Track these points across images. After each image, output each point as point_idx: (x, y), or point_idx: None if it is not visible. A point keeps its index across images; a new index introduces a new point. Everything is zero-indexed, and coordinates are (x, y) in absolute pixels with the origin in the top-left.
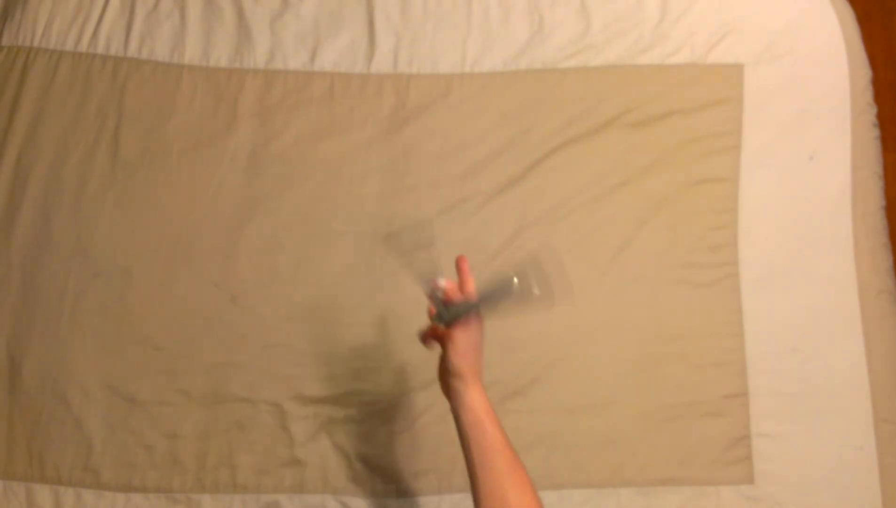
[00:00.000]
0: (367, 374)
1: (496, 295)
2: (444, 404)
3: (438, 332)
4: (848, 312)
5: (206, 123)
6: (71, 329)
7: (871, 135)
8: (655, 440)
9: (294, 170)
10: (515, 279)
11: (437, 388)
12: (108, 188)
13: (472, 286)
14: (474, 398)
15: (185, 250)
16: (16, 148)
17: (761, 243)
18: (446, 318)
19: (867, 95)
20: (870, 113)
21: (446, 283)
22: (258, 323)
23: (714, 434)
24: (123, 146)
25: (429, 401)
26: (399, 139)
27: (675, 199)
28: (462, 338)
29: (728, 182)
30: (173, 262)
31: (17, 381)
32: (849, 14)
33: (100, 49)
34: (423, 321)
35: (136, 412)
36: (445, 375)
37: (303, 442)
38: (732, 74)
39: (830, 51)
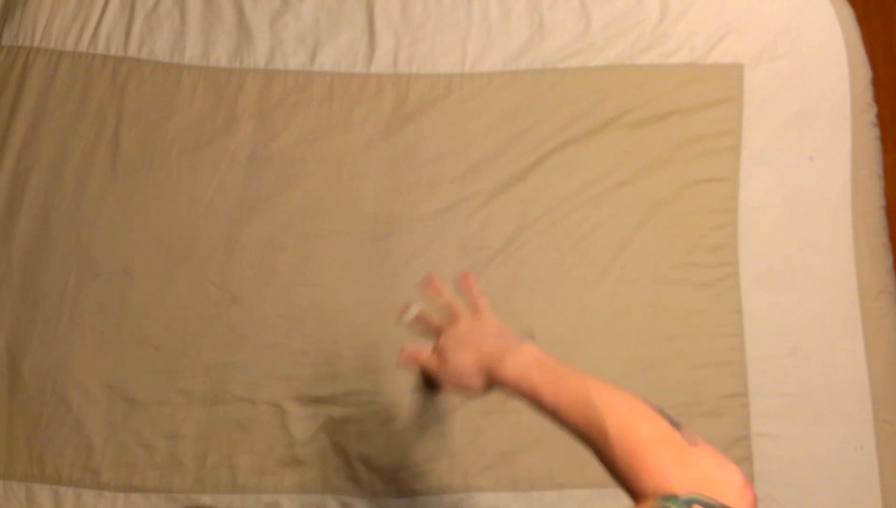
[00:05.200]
0: (367, 374)
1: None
2: (443, 404)
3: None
4: (848, 312)
5: (206, 123)
6: (71, 329)
7: (871, 135)
8: None
9: (294, 170)
10: None
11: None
12: (108, 188)
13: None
14: (510, 372)
15: (185, 250)
16: (16, 148)
17: (761, 242)
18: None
19: (867, 95)
20: (870, 113)
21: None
22: (258, 323)
23: (714, 434)
24: (123, 146)
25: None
26: (399, 139)
27: (675, 199)
28: (448, 345)
29: (728, 182)
30: (173, 262)
31: (17, 381)
32: (849, 14)
33: (100, 49)
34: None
35: (136, 412)
36: (478, 383)
37: (303, 442)
38: (732, 74)
39: (830, 51)
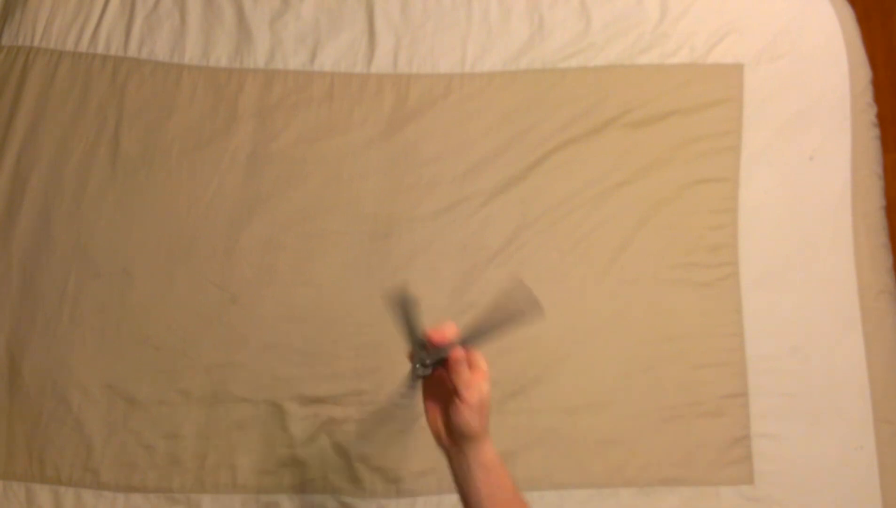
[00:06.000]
0: (367, 374)
1: (484, 327)
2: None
3: (445, 389)
4: (848, 312)
5: (206, 123)
6: (71, 329)
7: (871, 135)
8: (655, 440)
9: (294, 170)
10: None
11: None
12: (108, 188)
13: (454, 330)
14: (490, 455)
15: (185, 250)
16: (16, 148)
17: (761, 242)
18: (429, 361)
19: (867, 95)
20: (870, 113)
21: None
22: (258, 323)
23: (714, 434)
24: (123, 146)
25: None
26: (399, 139)
27: (675, 199)
28: (473, 393)
29: (728, 182)
30: (173, 262)
31: (17, 381)
32: (849, 14)
33: (100, 49)
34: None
35: (136, 412)
36: (454, 436)
37: (303, 442)
38: (732, 74)
39: (830, 51)
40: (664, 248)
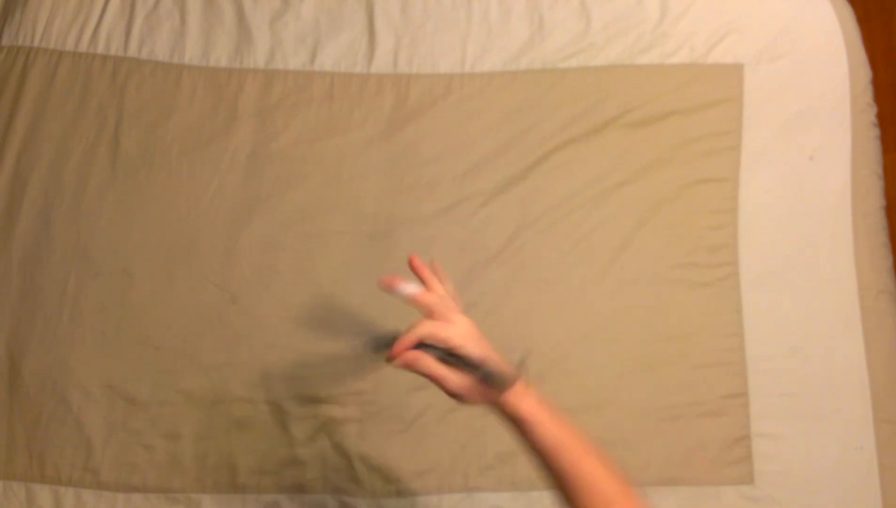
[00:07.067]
0: (367, 374)
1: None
2: (443, 404)
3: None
4: (848, 312)
5: (206, 123)
6: (71, 329)
7: (871, 135)
8: (655, 440)
9: (294, 170)
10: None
11: (437, 388)
12: (108, 188)
13: (441, 290)
14: (526, 407)
15: (185, 250)
16: (16, 148)
17: (761, 243)
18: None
19: (867, 95)
20: (870, 113)
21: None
22: (258, 323)
23: (714, 434)
24: (123, 146)
25: (429, 401)
26: (399, 139)
27: (675, 199)
28: (457, 324)
29: (728, 182)
30: (173, 262)
31: (17, 381)
32: (849, 14)
33: (100, 49)
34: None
35: (136, 412)
36: (487, 391)
37: (303, 442)
38: (732, 74)
39: (830, 51)
40: (664, 248)
